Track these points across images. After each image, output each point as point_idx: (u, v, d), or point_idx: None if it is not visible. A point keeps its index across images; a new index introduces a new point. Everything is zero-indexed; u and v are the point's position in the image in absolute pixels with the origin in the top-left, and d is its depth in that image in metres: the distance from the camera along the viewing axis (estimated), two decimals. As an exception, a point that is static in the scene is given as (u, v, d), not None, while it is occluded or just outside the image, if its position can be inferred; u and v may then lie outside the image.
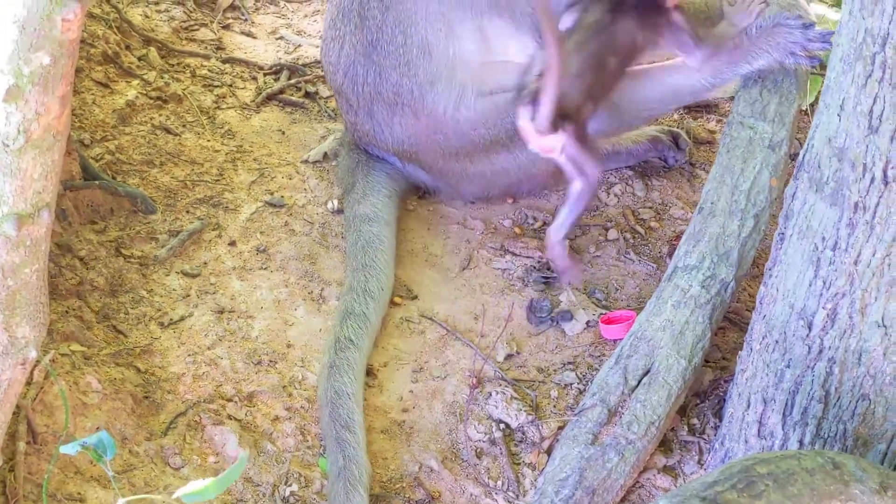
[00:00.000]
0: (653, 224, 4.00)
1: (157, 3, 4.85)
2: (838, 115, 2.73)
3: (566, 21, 3.52)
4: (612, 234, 3.93)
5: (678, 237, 3.64)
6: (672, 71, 3.64)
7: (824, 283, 2.81)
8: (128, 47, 4.48)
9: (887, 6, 2.55)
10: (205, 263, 3.68)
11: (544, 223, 3.97)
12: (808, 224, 2.84)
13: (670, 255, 3.64)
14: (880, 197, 2.68)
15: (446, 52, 3.68)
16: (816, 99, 4.26)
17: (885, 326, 2.76)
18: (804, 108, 4.14)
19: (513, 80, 3.72)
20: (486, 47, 3.69)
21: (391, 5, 3.67)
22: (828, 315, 2.83)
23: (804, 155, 2.90)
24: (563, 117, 3.28)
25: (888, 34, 2.57)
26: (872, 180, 2.68)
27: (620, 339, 3.36)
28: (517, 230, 3.94)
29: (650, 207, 4.06)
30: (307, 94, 4.55)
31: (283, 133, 4.31)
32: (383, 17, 3.68)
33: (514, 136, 3.73)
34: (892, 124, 2.61)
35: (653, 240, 3.92)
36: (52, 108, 2.05)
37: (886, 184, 2.66)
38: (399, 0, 3.65)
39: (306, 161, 4.16)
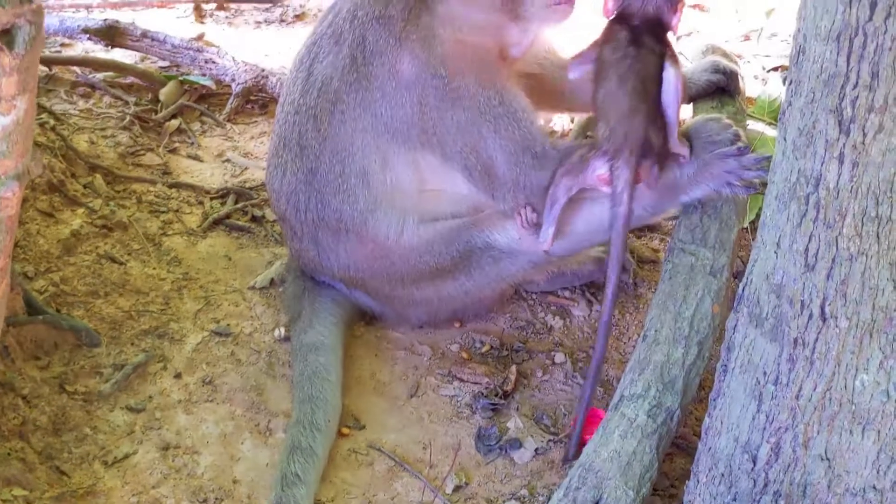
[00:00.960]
0: (599, 346, 4.01)
1: (103, 129, 4.87)
2: (775, 252, 2.78)
3: (573, 71, 3.72)
4: (559, 357, 3.95)
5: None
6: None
7: (767, 418, 2.83)
8: (73, 175, 4.48)
9: (818, 148, 2.61)
10: (150, 397, 3.64)
11: (491, 347, 3.99)
12: (749, 358, 2.87)
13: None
14: (819, 333, 2.71)
15: (384, 181, 3.72)
16: (757, 216, 4.35)
17: (828, 459, 2.78)
18: (745, 227, 4.23)
19: (452, 208, 3.78)
20: (422, 178, 3.75)
21: (328, 136, 3.72)
22: (772, 449, 2.84)
23: (743, 289, 2.94)
24: (643, 155, 3.46)
25: (821, 175, 2.63)
26: (811, 317, 2.72)
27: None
28: (465, 355, 3.95)
29: (595, 329, 4.07)
30: (254, 218, 4.56)
31: (230, 259, 4.31)
32: (321, 147, 3.73)
33: (459, 264, 3.78)
34: (828, 262, 2.66)
35: (600, 362, 3.93)
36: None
37: (824, 320, 2.70)
38: (335, 132, 3.71)
39: (253, 287, 4.16)
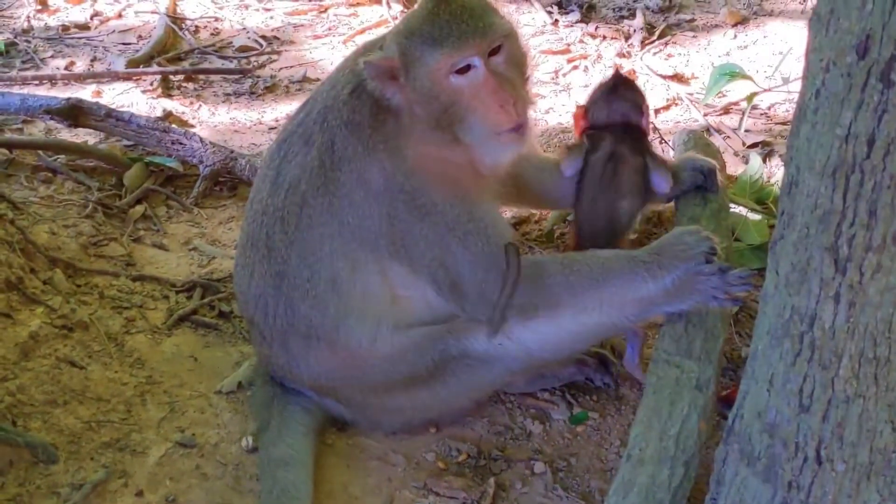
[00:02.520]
0: (580, 452, 3.87)
1: (64, 218, 4.71)
2: (767, 389, 2.65)
3: (568, 169, 4.04)
4: (539, 466, 3.80)
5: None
6: (595, 313, 3.56)
7: (761, 563, 2.70)
8: (32, 270, 4.31)
9: (813, 286, 2.50)
10: (109, 519, 3.47)
11: (468, 455, 3.83)
12: (740, 498, 2.75)
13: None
14: (814, 476, 2.60)
15: (353, 287, 3.60)
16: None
17: None
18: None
19: (427, 314, 3.65)
20: (392, 286, 3.63)
21: (296, 240, 3.59)
22: None
23: (733, 422, 2.81)
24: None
25: (816, 314, 2.51)
26: (806, 460, 2.60)
27: None
28: (441, 464, 3.79)
29: (576, 435, 3.93)
30: (221, 314, 4.40)
31: (196, 359, 4.15)
32: (288, 250, 3.60)
33: (434, 372, 3.65)
34: (824, 404, 2.54)
35: (580, 472, 3.79)
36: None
37: (820, 464, 2.58)
38: (303, 235, 3.59)
39: (220, 392, 3.99)
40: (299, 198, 3.57)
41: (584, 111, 4.24)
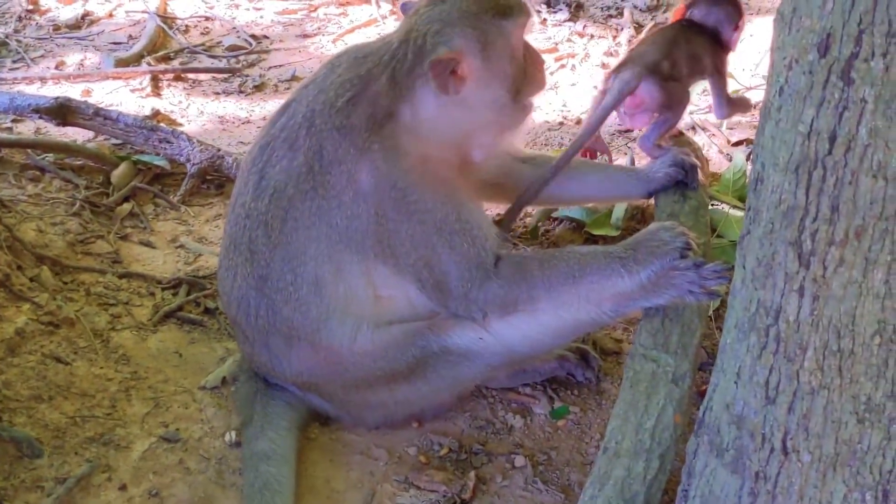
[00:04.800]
0: (560, 446, 3.91)
1: (52, 216, 4.74)
2: (735, 382, 2.69)
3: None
4: (519, 460, 3.84)
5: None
6: (573, 308, 3.60)
7: (729, 553, 2.74)
8: (19, 267, 4.35)
9: (778, 280, 2.54)
10: (93, 513, 3.51)
11: (450, 449, 3.87)
12: (710, 489, 2.78)
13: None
14: (781, 467, 2.63)
15: (337, 290, 3.62)
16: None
17: None
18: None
19: (408, 312, 3.68)
20: (376, 286, 3.66)
21: (279, 244, 3.61)
22: (734, 584, 2.75)
23: (704, 414, 2.85)
24: (650, 70, 4.12)
25: (781, 308, 2.55)
26: (772, 451, 2.64)
27: None
28: (422, 458, 3.83)
29: (557, 429, 3.98)
30: (207, 311, 4.44)
31: (181, 355, 4.19)
32: (271, 254, 3.62)
33: (415, 369, 3.69)
34: (789, 396, 2.58)
35: (560, 465, 3.83)
36: None
37: (786, 454, 2.62)
38: (287, 239, 3.60)
39: (204, 387, 4.03)
40: (285, 202, 3.59)
41: (686, 7, 4.47)
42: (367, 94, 3.59)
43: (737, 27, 4.42)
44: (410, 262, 3.56)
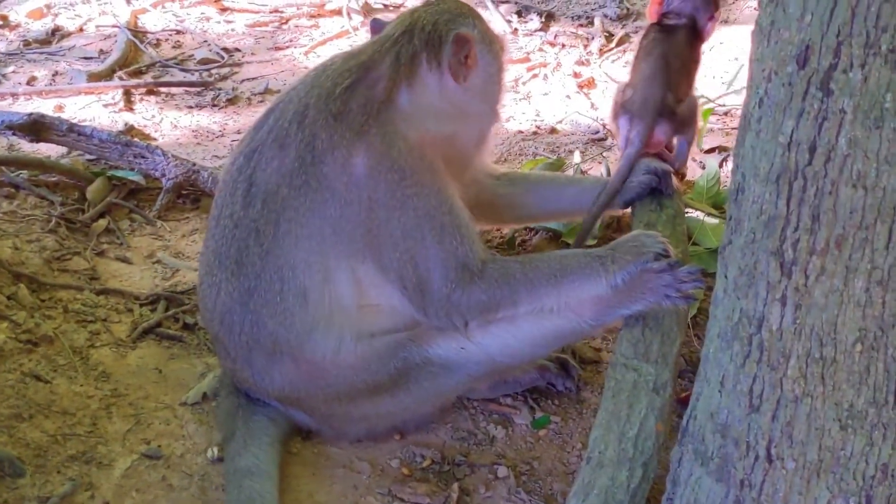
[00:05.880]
0: (542, 456, 3.92)
1: (27, 233, 4.71)
2: (719, 391, 2.72)
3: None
4: (502, 471, 3.85)
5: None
6: (554, 316, 3.62)
7: (716, 560, 2.76)
8: (-4, 286, 4.33)
9: (760, 290, 2.57)
10: (76, 532, 3.49)
11: (432, 461, 3.87)
12: (695, 497, 2.80)
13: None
14: (765, 474, 2.66)
15: (322, 298, 3.61)
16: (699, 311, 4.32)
17: None
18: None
19: (390, 323, 3.69)
20: (360, 291, 3.65)
21: (270, 250, 3.59)
22: (721, 592, 2.77)
23: (688, 422, 2.88)
24: (659, 114, 4.26)
25: (763, 317, 2.58)
26: (757, 458, 2.66)
27: None
28: (405, 470, 3.84)
29: (539, 439, 3.99)
30: (186, 326, 4.42)
31: (161, 371, 4.17)
32: (263, 262, 3.60)
33: (397, 380, 3.69)
34: (773, 404, 2.61)
35: (543, 475, 3.84)
36: None
37: (771, 462, 2.64)
38: (279, 243, 3.58)
39: (185, 403, 4.02)
40: (278, 204, 3.56)
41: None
42: (367, 80, 3.62)
43: (712, 17, 4.52)
44: (396, 257, 3.54)
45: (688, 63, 4.44)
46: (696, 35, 4.53)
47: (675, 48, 4.42)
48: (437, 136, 3.67)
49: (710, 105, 5.89)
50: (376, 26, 3.91)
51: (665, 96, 4.29)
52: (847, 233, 2.43)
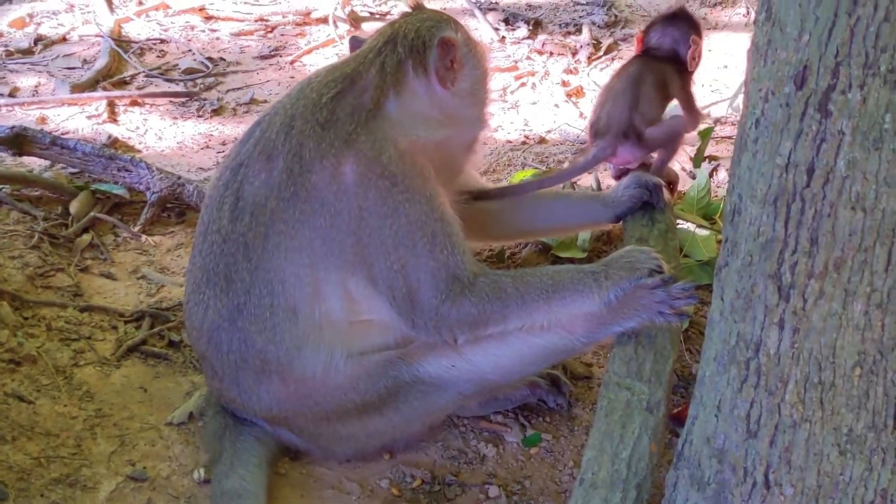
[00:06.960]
0: (534, 474, 3.87)
1: (10, 249, 4.64)
2: (716, 415, 2.67)
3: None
4: (493, 490, 3.80)
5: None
6: (545, 333, 3.58)
7: (713, 587, 2.71)
8: (-22, 304, 4.25)
9: (758, 313, 2.52)
10: (60, 558, 3.42)
11: (423, 481, 3.82)
12: (692, 523, 2.75)
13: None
14: (763, 501, 2.62)
15: (312, 314, 3.56)
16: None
17: None
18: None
19: (380, 339, 3.64)
20: (350, 306, 3.59)
21: (259, 265, 3.54)
22: None
23: (683, 447, 2.83)
24: (624, 135, 4.26)
25: (761, 341, 2.53)
26: (754, 484, 2.62)
27: None
28: (395, 491, 3.78)
29: (530, 457, 3.94)
30: (171, 343, 4.36)
31: (146, 390, 4.11)
32: (252, 277, 3.55)
33: (387, 399, 3.64)
34: (771, 429, 2.57)
35: (535, 495, 3.79)
36: None
37: (769, 488, 2.60)
38: (269, 257, 3.53)
39: (171, 423, 3.95)
40: (267, 217, 3.51)
41: (643, 34, 4.65)
42: (354, 89, 3.59)
43: (690, 45, 4.50)
44: (386, 267, 3.49)
45: (663, 88, 4.42)
46: (681, 64, 4.53)
47: (649, 71, 4.42)
48: (427, 142, 3.63)
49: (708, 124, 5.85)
50: (355, 43, 3.89)
51: (631, 116, 4.29)
52: (846, 255, 2.39)
